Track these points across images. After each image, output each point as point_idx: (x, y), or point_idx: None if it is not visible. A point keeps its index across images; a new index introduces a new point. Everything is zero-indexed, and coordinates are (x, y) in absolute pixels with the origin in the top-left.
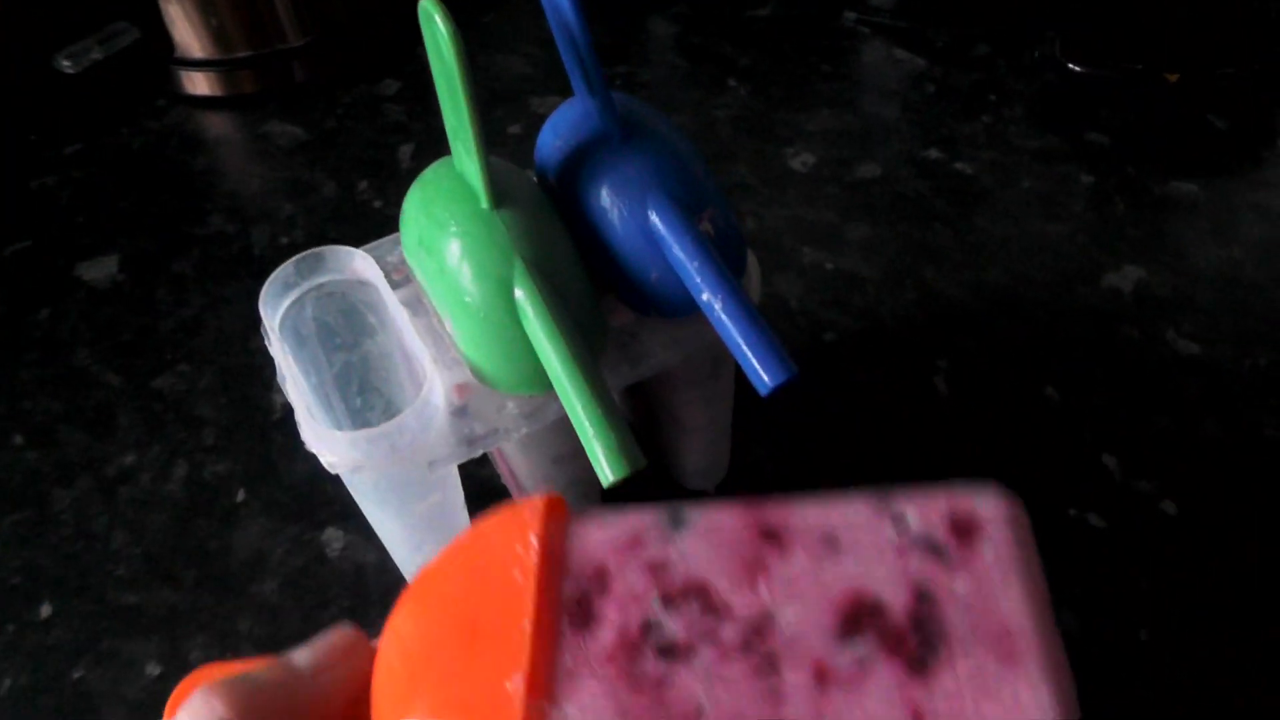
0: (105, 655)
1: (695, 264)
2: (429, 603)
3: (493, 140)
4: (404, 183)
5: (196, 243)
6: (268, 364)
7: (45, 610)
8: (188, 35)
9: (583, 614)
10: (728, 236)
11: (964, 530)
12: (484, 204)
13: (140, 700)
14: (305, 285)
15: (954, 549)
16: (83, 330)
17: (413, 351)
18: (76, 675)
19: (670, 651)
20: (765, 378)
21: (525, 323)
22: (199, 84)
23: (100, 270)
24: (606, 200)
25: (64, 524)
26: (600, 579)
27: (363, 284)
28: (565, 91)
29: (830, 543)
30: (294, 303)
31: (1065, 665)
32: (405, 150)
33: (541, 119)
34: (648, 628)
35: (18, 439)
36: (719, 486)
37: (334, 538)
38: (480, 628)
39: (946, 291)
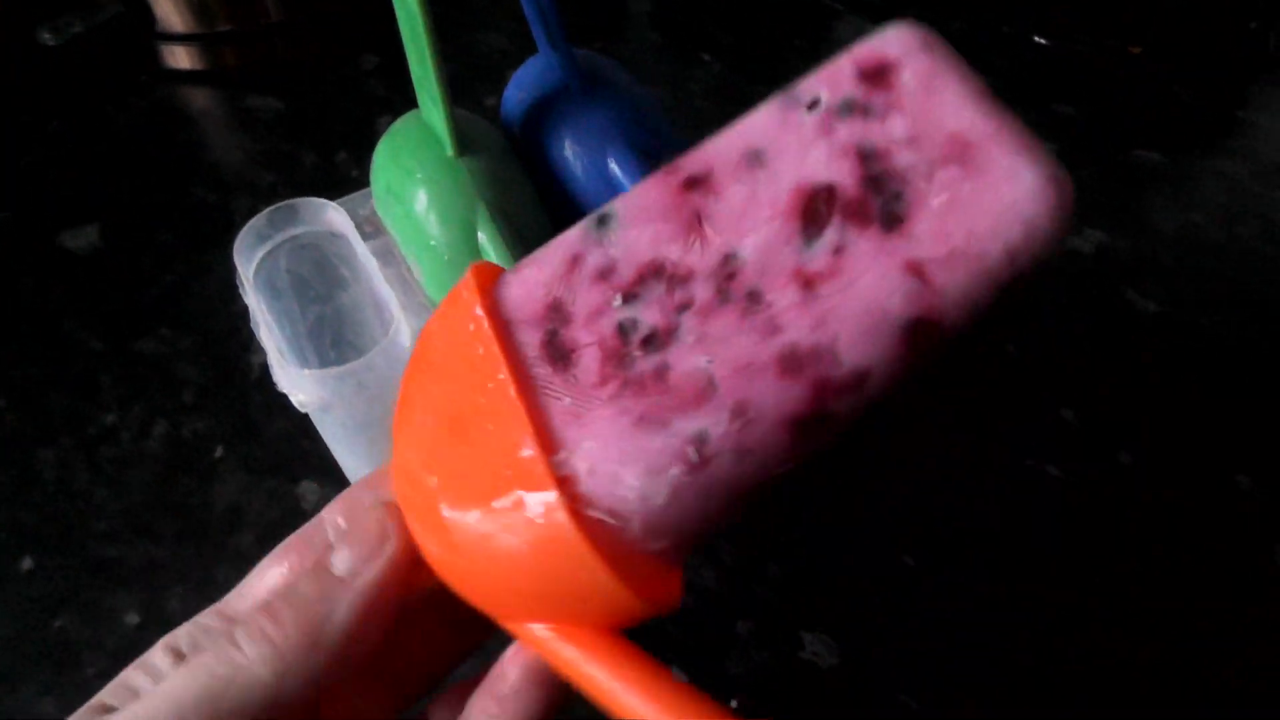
0: (86, 606)
1: None
2: (419, 419)
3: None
4: None
5: (178, 212)
6: (247, 327)
7: (27, 563)
8: (169, 10)
9: (557, 352)
10: None
11: (875, 76)
12: (449, 151)
13: (120, 648)
14: (279, 237)
15: (874, 97)
16: (65, 297)
17: (382, 298)
18: (57, 625)
19: (653, 340)
20: None
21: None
22: (181, 58)
23: (82, 239)
24: (568, 149)
25: (46, 482)
26: (557, 312)
27: (335, 236)
28: None
29: (754, 159)
30: (268, 254)
31: (1032, 138)
32: (384, 122)
33: None
34: (623, 330)
35: (0, 402)
36: None
37: (309, 490)
38: (474, 415)
39: None
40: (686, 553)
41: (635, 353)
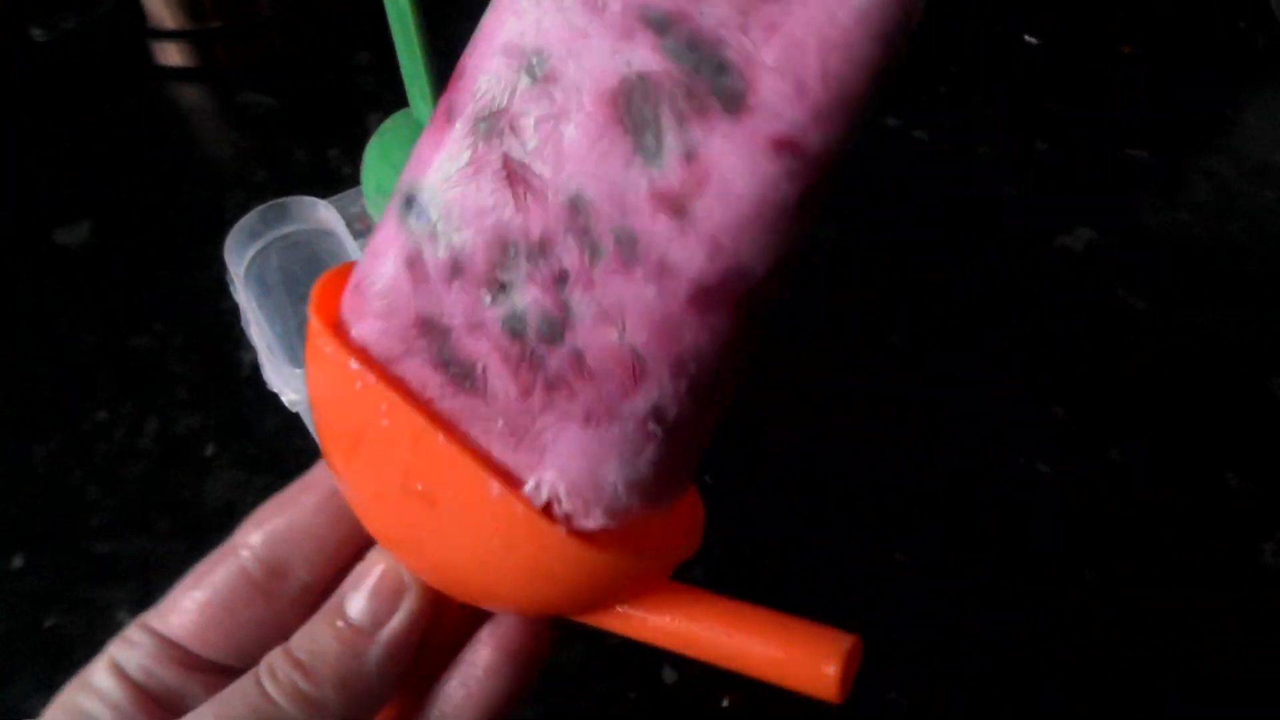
0: (79, 602)
1: None
2: (370, 500)
3: None
4: None
5: (170, 208)
6: (239, 323)
7: (18, 561)
8: (161, 6)
9: (459, 374)
10: None
11: None
12: None
13: None
14: (271, 235)
15: None
16: (59, 294)
17: None
18: (50, 623)
19: (550, 330)
20: None
21: None
22: (172, 55)
23: (75, 235)
24: None
25: (38, 478)
26: (432, 330)
27: (326, 234)
28: None
29: (534, 71)
30: (260, 252)
31: None
32: (376, 118)
33: None
34: (513, 331)
35: None
36: None
37: None
38: (422, 478)
39: (903, 252)
40: (689, 483)
41: (540, 350)
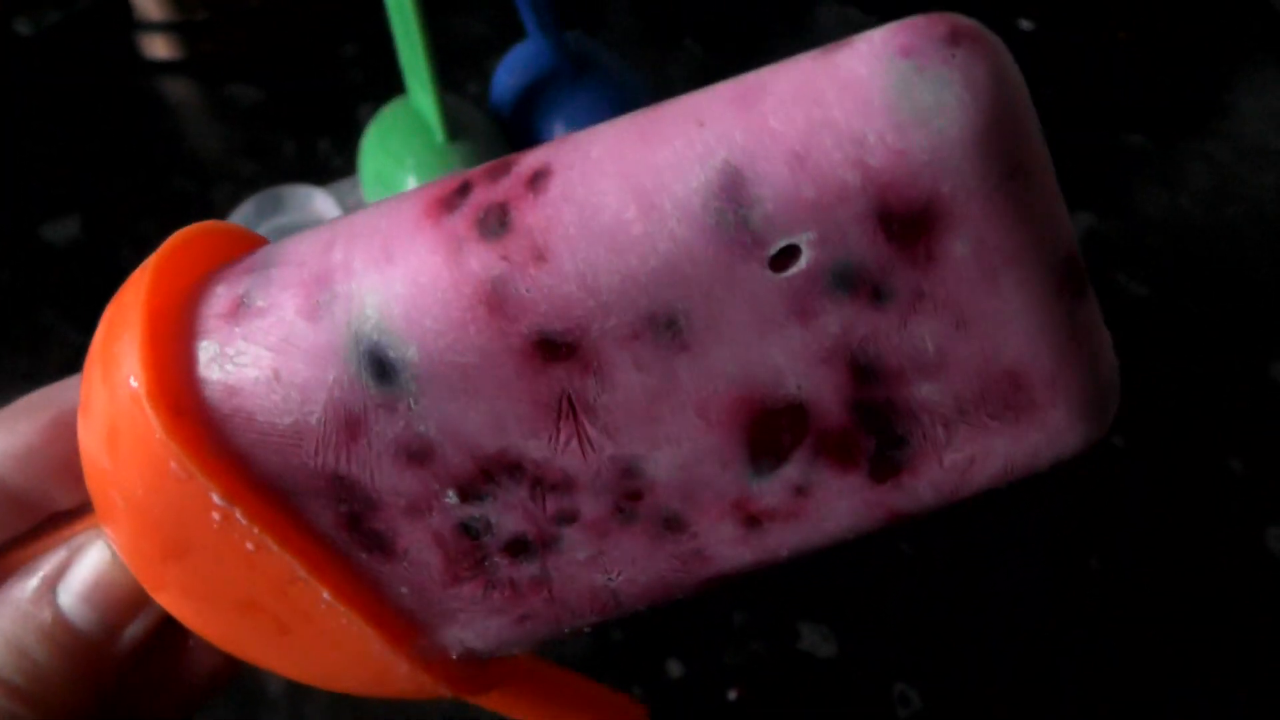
0: None
1: None
2: (208, 614)
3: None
4: None
5: (159, 202)
6: None
7: None
8: None
9: (368, 538)
10: None
11: (906, 226)
12: (439, 138)
13: None
14: (266, 226)
15: (896, 270)
16: (46, 290)
17: None
18: None
19: (522, 549)
20: None
21: None
22: (159, 47)
23: (62, 231)
24: (559, 133)
25: None
26: (348, 491)
27: (322, 223)
28: None
29: (667, 330)
30: None
31: (1093, 368)
32: (365, 110)
33: None
34: (469, 531)
35: None
36: None
37: None
38: (289, 615)
39: None
40: None
41: (496, 559)
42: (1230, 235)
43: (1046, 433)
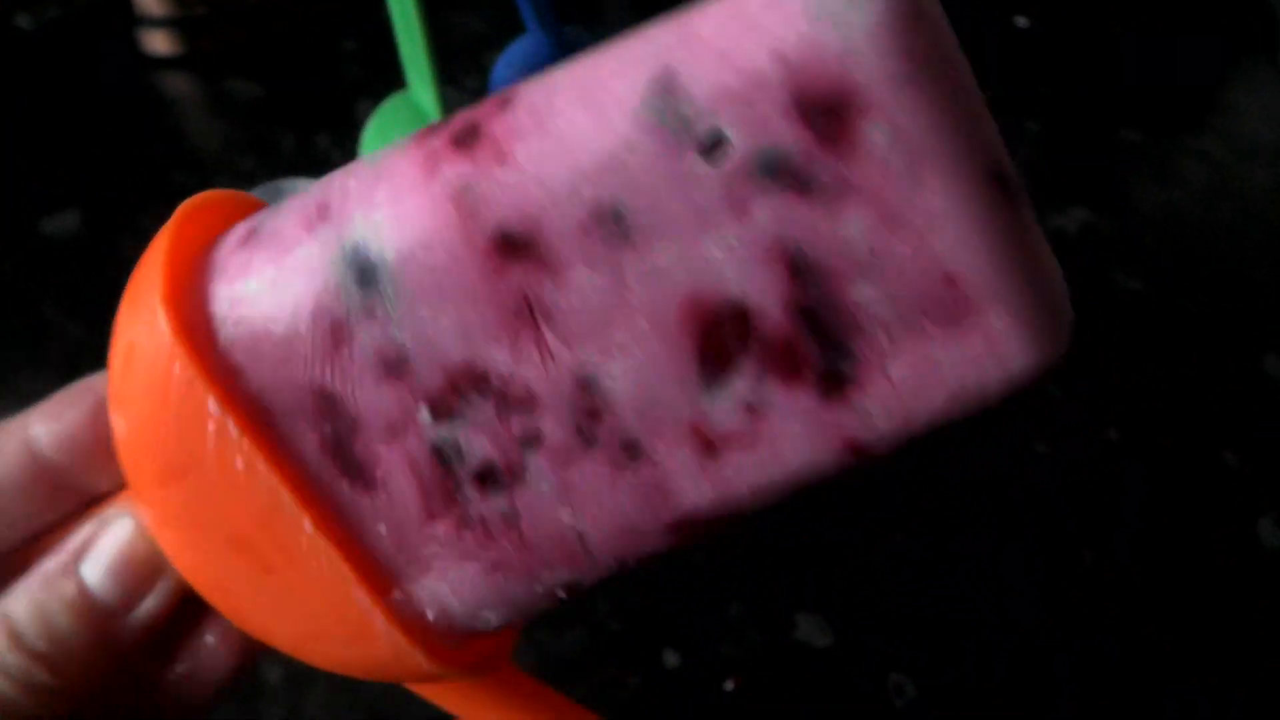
0: None
1: None
2: (200, 542)
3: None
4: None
5: (159, 196)
6: None
7: None
8: None
9: (348, 464)
10: None
11: (823, 114)
12: None
13: None
14: None
15: (818, 159)
16: (47, 283)
17: None
18: None
19: (491, 479)
20: None
21: None
22: (158, 42)
23: (63, 225)
24: None
25: None
26: (332, 409)
27: None
28: None
29: (613, 224)
30: None
31: (1037, 266)
32: (364, 105)
33: None
34: (442, 457)
35: None
36: None
37: None
38: (271, 549)
39: None
40: None
41: (468, 491)
42: (1225, 231)
43: (991, 344)
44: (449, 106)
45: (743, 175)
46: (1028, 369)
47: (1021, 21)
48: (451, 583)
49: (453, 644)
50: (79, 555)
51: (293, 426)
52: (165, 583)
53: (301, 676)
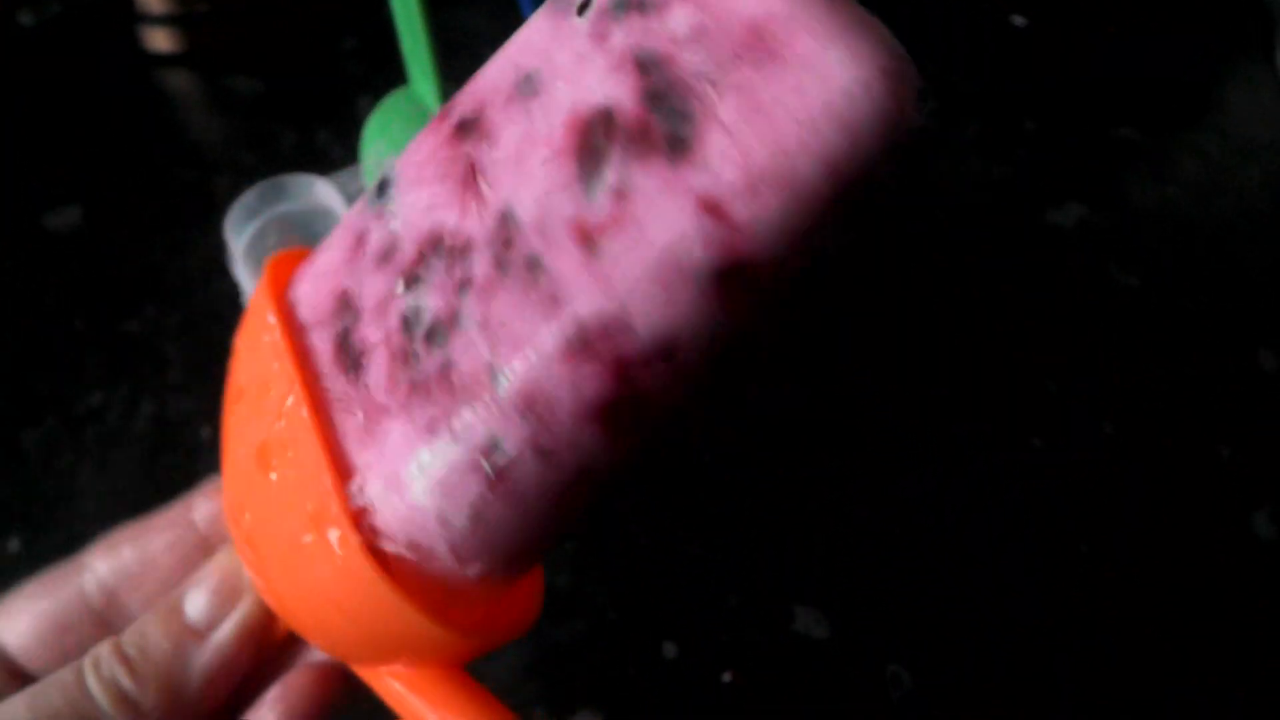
0: None
1: None
2: (231, 450)
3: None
4: (363, 133)
5: (160, 191)
6: (231, 306)
7: (14, 544)
8: None
9: (350, 358)
10: None
11: None
12: None
13: None
14: (268, 214)
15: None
16: (48, 277)
17: None
18: None
19: (436, 332)
20: None
21: None
22: (159, 39)
23: (64, 219)
24: None
25: (32, 462)
26: (347, 307)
27: (324, 212)
28: None
29: (526, 86)
30: (257, 231)
31: (853, 16)
32: (364, 102)
33: None
34: (407, 324)
35: None
36: None
37: None
38: (276, 443)
39: (892, 230)
40: (519, 570)
41: (419, 349)
42: (1220, 228)
43: (805, 68)
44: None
45: (604, 15)
46: (852, 84)
47: (1018, 20)
48: (392, 456)
49: (399, 565)
50: (186, 588)
51: (318, 335)
52: (243, 607)
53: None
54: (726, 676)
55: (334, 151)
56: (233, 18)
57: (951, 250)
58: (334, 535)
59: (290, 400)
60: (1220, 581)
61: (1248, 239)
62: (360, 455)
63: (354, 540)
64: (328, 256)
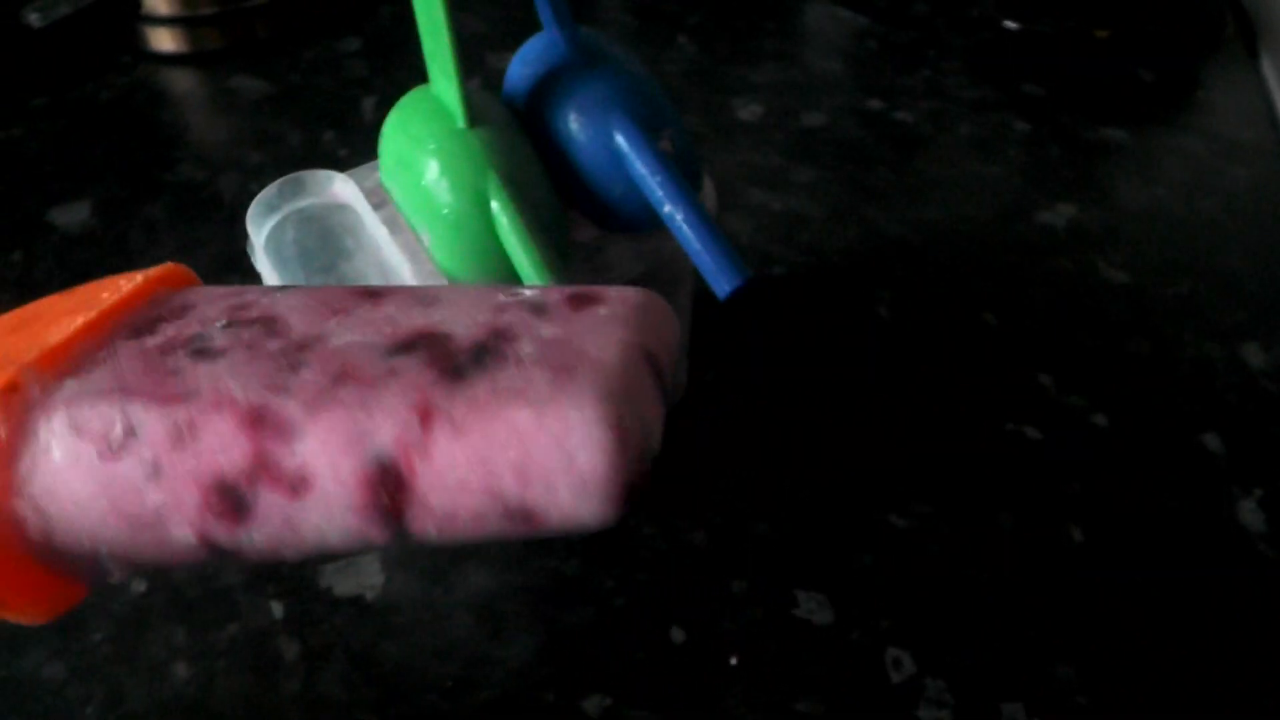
0: None
1: (657, 178)
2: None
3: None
4: (368, 133)
5: (167, 189)
6: None
7: None
8: None
9: (143, 328)
10: (685, 155)
11: (583, 300)
12: (460, 123)
13: (127, 615)
14: (287, 208)
15: (561, 308)
16: (56, 272)
17: (392, 266)
18: None
19: (203, 353)
20: (724, 282)
21: (500, 232)
22: (164, 40)
23: (72, 215)
24: (573, 122)
25: None
26: (180, 311)
27: (341, 208)
28: (519, 48)
29: (427, 300)
30: (277, 226)
31: (639, 405)
32: (369, 103)
33: (498, 73)
34: (195, 339)
35: None
36: (677, 406)
37: None
38: (44, 316)
39: (888, 228)
40: (95, 578)
41: (180, 353)
42: (1206, 226)
43: (570, 397)
44: (471, 99)
45: (516, 302)
46: (574, 471)
47: (1010, 24)
48: (84, 381)
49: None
50: None
51: (147, 308)
52: None
53: (318, 651)
54: (733, 660)
55: (339, 151)
56: (237, 19)
57: (944, 248)
58: None
59: (92, 312)
60: (1207, 567)
61: (1233, 237)
62: (69, 362)
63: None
64: (213, 290)
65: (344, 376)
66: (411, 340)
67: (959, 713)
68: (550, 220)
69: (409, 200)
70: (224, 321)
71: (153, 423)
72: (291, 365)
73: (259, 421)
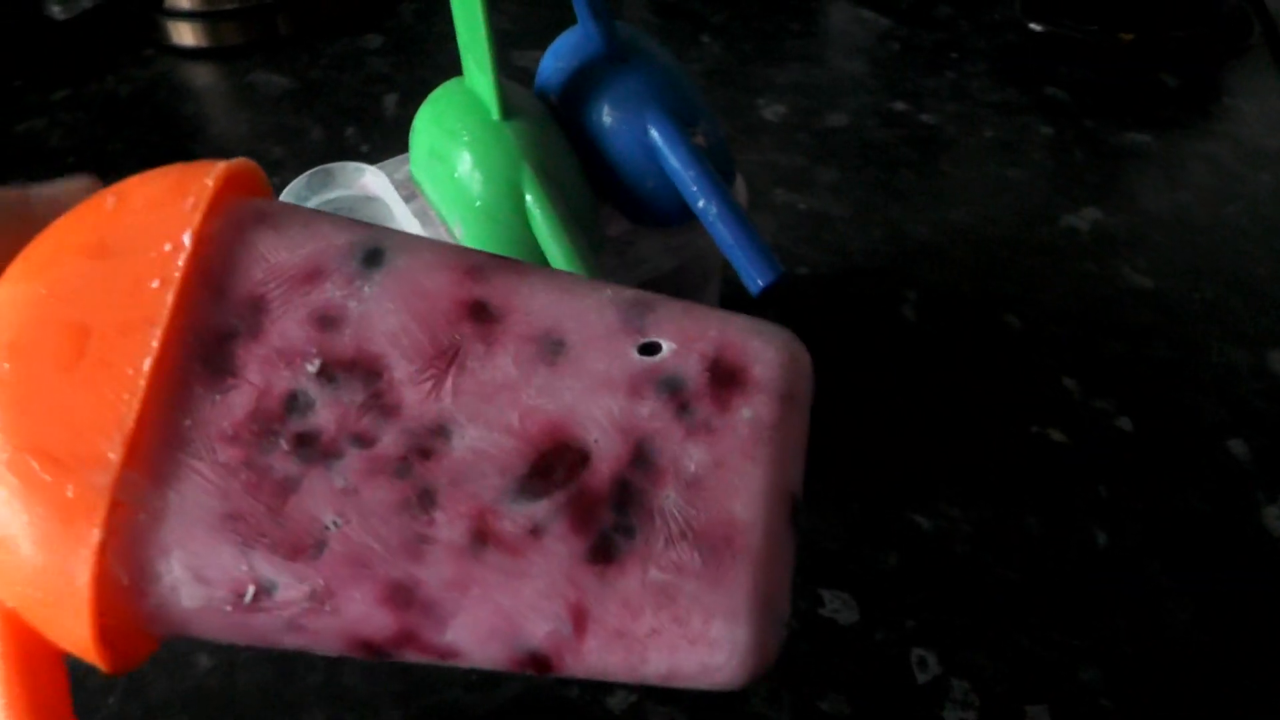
0: None
1: (691, 173)
2: (45, 280)
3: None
4: (389, 129)
5: None
6: None
7: None
8: None
9: (219, 360)
10: (718, 149)
11: (724, 380)
12: (495, 115)
13: None
14: (316, 201)
15: (704, 403)
16: None
17: None
18: None
19: (309, 444)
20: (758, 277)
21: (534, 224)
22: (185, 34)
23: None
24: (607, 115)
25: None
26: (254, 315)
27: (370, 200)
28: (543, 45)
29: (551, 348)
30: None
31: (777, 594)
32: (390, 99)
33: (521, 70)
34: (292, 402)
35: None
36: None
37: None
38: (94, 345)
39: (913, 229)
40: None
41: (282, 441)
42: (1231, 231)
43: (722, 610)
44: (504, 92)
45: (651, 377)
46: (721, 672)
47: (1035, 27)
48: (185, 503)
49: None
50: None
51: (213, 309)
52: None
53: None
54: None
55: (361, 146)
56: (257, 15)
57: (970, 251)
58: (71, 491)
59: (144, 331)
60: (1233, 572)
61: (1257, 242)
62: (158, 454)
63: (96, 541)
64: (280, 252)
65: (483, 536)
66: (545, 462)
67: (984, 714)
68: (583, 213)
69: (441, 192)
70: (316, 365)
71: (286, 585)
72: (422, 501)
73: (405, 603)
